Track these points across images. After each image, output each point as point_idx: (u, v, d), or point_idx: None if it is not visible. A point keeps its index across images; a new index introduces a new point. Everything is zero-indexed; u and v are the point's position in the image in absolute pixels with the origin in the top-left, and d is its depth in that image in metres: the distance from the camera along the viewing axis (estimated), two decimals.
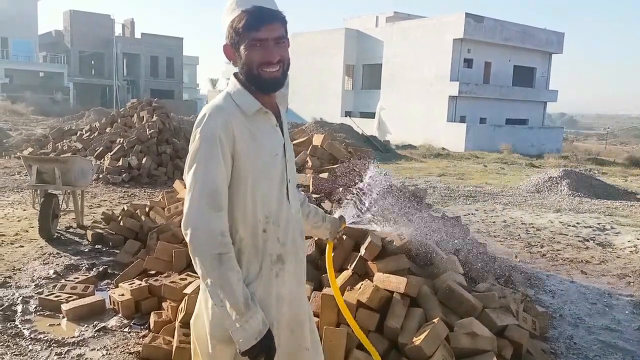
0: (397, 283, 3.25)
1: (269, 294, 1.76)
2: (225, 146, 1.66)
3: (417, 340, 2.92)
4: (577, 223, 8.65)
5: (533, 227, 8.29)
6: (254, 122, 1.74)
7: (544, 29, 33.62)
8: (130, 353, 3.49)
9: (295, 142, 5.61)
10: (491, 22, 30.60)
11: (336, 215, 2.37)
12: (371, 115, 33.75)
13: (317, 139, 5.32)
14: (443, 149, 25.08)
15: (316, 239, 3.59)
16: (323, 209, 4.39)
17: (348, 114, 34.98)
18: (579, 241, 7.42)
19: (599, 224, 8.67)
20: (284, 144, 1.84)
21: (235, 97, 1.75)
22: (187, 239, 1.63)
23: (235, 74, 1.80)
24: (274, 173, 1.77)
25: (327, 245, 2.35)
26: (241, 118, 1.71)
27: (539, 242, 7.26)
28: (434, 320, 3.05)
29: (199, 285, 1.83)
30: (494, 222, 8.58)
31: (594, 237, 7.67)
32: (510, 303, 3.54)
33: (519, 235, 7.69)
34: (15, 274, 4.94)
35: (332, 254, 2.36)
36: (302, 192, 2.19)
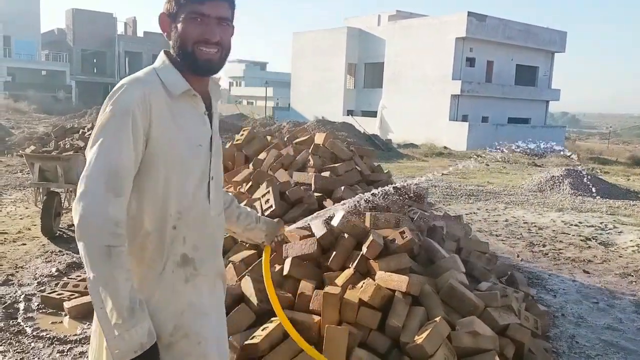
0: (399, 282, 3.25)
1: (167, 301, 1.56)
2: (138, 124, 1.46)
3: (419, 339, 2.92)
4: (580, 222, 8.64)
5: (535, 226, 8.28)
6: (179, 105, 1.56)
7: (546, 27, 33.57)
8: None
9: (297, 140, 5.61)
10: (494, 21, 30.56)
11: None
12: (373, 114, 33.75)
13: (319, 138, 5.32)
14: (445, 147, 25.07)
15: (317, 236, 3.58)
16: (323, 207, 4.39)
17: (350, 112, 34.97)
18: (581, 240, 7.41)
19: (601, 223, 8.66)
20: (211, 137, 1.66)
21: (162, 73, 1.57)
22: (75, 222, 1.40)
23: (165, 51, 1.63)
24: (194, 165, 1.59)
25: (264, 251, 2.15)
26: (164, 97, 1.53)
27: (541, 241, 7.25)
28: (435, 319, 3.05)
29: None
30: (496, 221, 8.57)
31: (596, 237, 7.66)
32: (512, 302, 3.53)
33: (521, 234, 7.68)
34: (17, 271, 4.95)
35: (270, 258, 2.15)
36: (229, 193, 2.06)
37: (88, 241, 1.38)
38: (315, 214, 2.32)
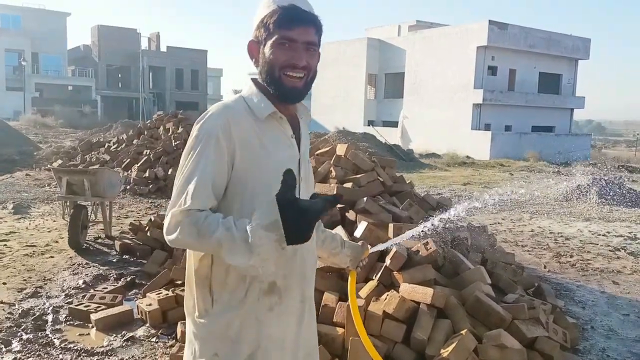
0: (424, 294, 3.22)
1: (248, 327, 1.55)
2: (222, 147, 1.48)
3: (445, 352, 2.88)
4: (608, 232, 8.46)
5: (562, 236, 8.14)
6: (265, 128, 1.56)
7: (569, 35, 33.18)
8: None
9: (318, 152, 5.63)
10: (515, 29, 30.33)
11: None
12: (394, 124, 33.67)
13: (341, 149, 5.33)
14: (467, 157, 24.85)
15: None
16: (345, 219, 4.38)
17: (371, 123, 34.96)
18: (610, 250, 7.24)
19: (630, 232, 8.46)
20: (299, 161, 1.64)
21: (249, 99, 1.59)
22: (165, 234, 1.48)
23: (253, 79, 1.65)
24: None
25: (350, 276, 2.04)
26: (250, 121, 1.54)
27: (568, 252, 7.11)
28: (461, 332, 3.01)
29: None
30: (521, 231, 8.44)
31: (625, 247, 7.48)
32: (539, 314, 3.47)
33: (548, 244, 7.55)
34: (45, 284, 5.04)
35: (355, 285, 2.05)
36: None
37: (179, 243, 1.44)
38: (400, 236, 2.23)
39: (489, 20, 29.29)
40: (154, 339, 3.87)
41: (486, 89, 29.44)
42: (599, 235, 8.25)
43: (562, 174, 18.90)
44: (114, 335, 3.91)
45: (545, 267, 6.33)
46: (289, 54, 1.53)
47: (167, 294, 4.20)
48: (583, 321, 4.56)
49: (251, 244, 1.35)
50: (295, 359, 1.65)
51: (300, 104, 1.71)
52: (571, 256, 6.89)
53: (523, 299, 3.71)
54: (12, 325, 4.02)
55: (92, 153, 14.26)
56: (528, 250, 7.17)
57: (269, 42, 1.54)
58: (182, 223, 1.43)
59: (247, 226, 1.37)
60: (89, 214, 6.77)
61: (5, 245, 6.33)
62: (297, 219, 1.32)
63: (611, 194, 11.85)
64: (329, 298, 3.35)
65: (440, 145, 27.95)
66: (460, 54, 30.08)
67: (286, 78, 1.54)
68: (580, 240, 7.84)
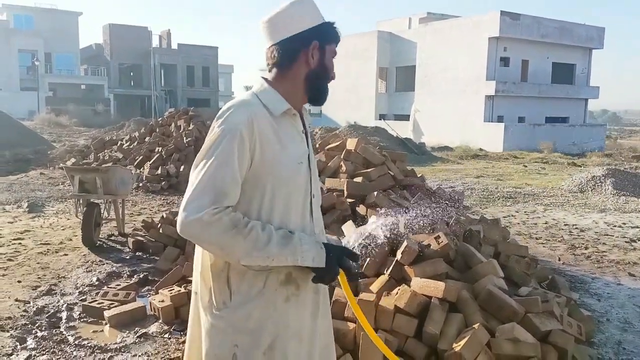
0: (435, 288, 3.19)
1: (267, 317, 1.60)
2: (245, 144, 1.53)
3: (457, 347, 2.85)
4: (623, 223, 8.35)
5: (576, 228, 8.04)
6: (280, 124, 1.62)
7: (583, 24, 32.72)
8: (170, 359, 3.54)
9: (329, 146, 5.61)
10: (528, 19, 29.97)
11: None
12: (406, 117, 33.51)
13: (351, 143, 5.30)
14: (480, 149, 24.67)
15: None
16: (356, 213, 4.36)
17: (382, 117, 34.82)
18: (626, 242, 7.14)
19: None
20: (309, 155, 1.72)
21: (262, 96, 1.64)
22: (178, 229, 1.52)
23: (263, 77, 1.71)
24: (298, 183, 1.64)
25: (340, 276, 2.15)
26: (268, 117, 1.60)
27: (583, 244, 7.03)
28: (474, 326, 2.98)
29: None
30: (535, 223, 8.36)
31: None
32: (553, 307, 3.42)
33: (562, 236, 7.47)
34: (60, 281, 5.08)
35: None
36: None
37: (214, 233, 1.48)
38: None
39: (501, 11, 28.98)
40: (166, 335, 3.89)
41: (498, 80, 29.16)
42: (615, 226, 8.14)
43: (577, 165, 18.69)
44: (127, 331, 3.93)
45: (559, 259, 6.26)
46: (333, 65, 1.72)
47: (180, 290, 4.22)
48: (598, 314, 4.50)
49: (296, 244, 1.57)
50: (312, 350, 1.68)
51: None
52: (586, 248, 6.81)
53: (537, 292, 3.66)
54: (27, 322, 4.06)
55: (105, 151, 14.36)
56: (542, 243, 7.09)
57: (329, 49, 1.69)
58: (221, 220, 1.47)
59: (293, 234, 1.59)
60: (102, 212, 6.81)
61: (20, 243, 6.40)
62: (332, 272, 1.63)
63: (627, 184, 11.68)
64: (340, 293, 3.34)
65: (453, 138, 27.77)
66: (471, 46, 29.82)
67: (327, 83, 1.73)
68: (596, 232, 7.74)
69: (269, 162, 1.56)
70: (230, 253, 1.51)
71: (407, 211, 3.74)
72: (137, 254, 6.03)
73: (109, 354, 3.61)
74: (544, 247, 6.88)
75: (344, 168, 5.01)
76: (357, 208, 4.49)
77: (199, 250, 1.70)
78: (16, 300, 4.53)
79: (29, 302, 4.49)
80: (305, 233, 1.67)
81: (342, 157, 5.14)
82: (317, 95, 1.70)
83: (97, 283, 5.03)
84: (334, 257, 1.60)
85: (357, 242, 1.89)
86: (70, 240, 6.63)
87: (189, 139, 11.91)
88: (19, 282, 5.00)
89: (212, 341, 1.63)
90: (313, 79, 1.68)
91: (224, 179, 1.49)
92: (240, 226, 1.48)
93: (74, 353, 3.61)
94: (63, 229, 7.25)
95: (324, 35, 1.66)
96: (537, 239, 7.33)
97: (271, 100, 1.63)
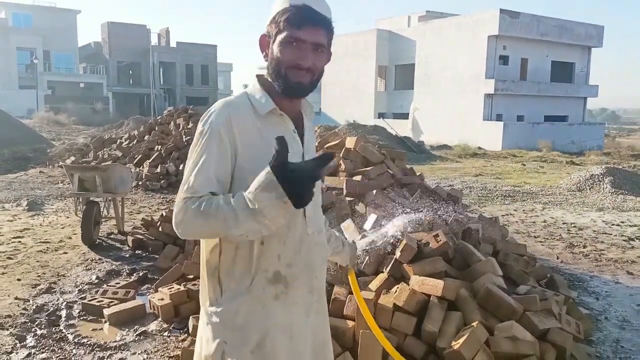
0: (434, 286, 3.20)
1: (255, 315, 1.59)
2: (225, 142, 1.53)
3: (456, 345, 2.87)
4: (622, 222, 8.37)
5: (575, 226, 8.06)
6: (267, 124, 1.60)
7: (582, 22, 32.73)
8: (170, 357, 3.55)
9: (328, 145, 5.62)
10: (527, 18, 29.96)
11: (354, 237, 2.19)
12: (405, 116, 33.51)
13: (350, 142, 5.31)
14: (479, 148, 24.68)
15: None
16: (355, 212, 4.37)
17: (381, 115, 34.81)
18: (624, 240, 7.16)
19: None
20: (303, 154, 1.68)
21: (251, 96, 1.64)
22: (182, 233, 1.51)
23: (257, 75, 1.71)
24: None
25: (349, 274, 2.15)
26: (252, 117, 1.59)
27: (581, 242, 7.05)
28: (473, 324, 3.00)
29: None
30: (533, 222, 8.38)
31: (639, 236, 7.40)
32: (552, 305, 3.44)
33: (560, 235, 7.48)
34: (59, 279, 5.09)
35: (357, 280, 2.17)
36: (323, 216, 2.02)
37: (187, 226, 1.45)
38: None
39: (500, 9, 28.96)
40: (166, 333, 3.90)
41: (498, 78, 29.16)
42: (613, 225, 8.16)
43: (576, 163, 18.71)
44: (127, 329, 3.95)
45: (558, 257, 6.27)
46: (296, 53, 1.57)
47: (179, 289, 4.23)
48: (597, 312, 4.52)
49: (254, 209, 1.36)
50: (305, 347, 1.67)
51: (304, 100, 1.73)
52: (584, 246, 6.83)
53: (535, 290, 3.67)
54: (27, 320, 4.07)
55: (104, 149, 14.36)
56: (540, 241, 7.11)
57: (278, 39, 1.58)
58: (186, 207, 1.46)
59: (243, 194, 1.40)
60: (102, 210, 6.82)
61: (19, 242, 6.40)
62: (292, 181, 1.32)
63: (625, 183, 11.70)
64: (339, 291, 3.35)
65: (452, 136, 27.78)
66: (471, 44, 29.81)
67: (291, 75, 1.58)
68: (594, 231, 7.76)
69: (252, 162, 1.54)
70: (220, 232, 1.47)
71: (406, 211, 3.75)
72: (136, 252, 6.04)
73: (109, 352, 3.61)
74: (542, 245, 6.90)
75: (343, 166, 5.02)
76: (356, 206, 4.50)
77: (200, 247, 1.72)
78: (16, 298, 4.54)
79: (29, 300, 4.50)
80: (295, 233, 1.62)
81: (341, 155, 5.15)
82: (281, 87, 1.60)
83: (96, 281, 5.04)
84: (291, 174, 1.33)
85: (383, 243, 1.92)
86: (70, 238, 6.64)
87: (188, 137, 11.90)
88: (19, 280, 5.01)
89: (204, 337, 1.65)
90: (270, 71, 1.63)
91: (196, 178, 1.50)
92: (205, 208, 1.43)
93: (74, 351, 3.62)
94: (62, 227, 7.25)
95: (277, 23, 1.58)
96: (535, 237, 7.34)
97: (258, 101, 1.62)
